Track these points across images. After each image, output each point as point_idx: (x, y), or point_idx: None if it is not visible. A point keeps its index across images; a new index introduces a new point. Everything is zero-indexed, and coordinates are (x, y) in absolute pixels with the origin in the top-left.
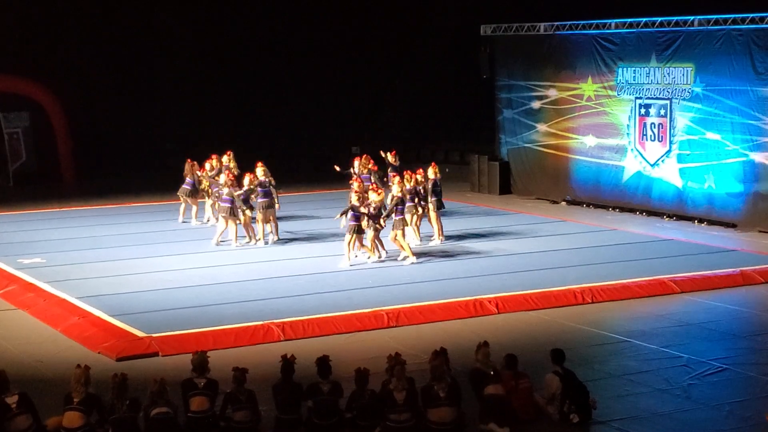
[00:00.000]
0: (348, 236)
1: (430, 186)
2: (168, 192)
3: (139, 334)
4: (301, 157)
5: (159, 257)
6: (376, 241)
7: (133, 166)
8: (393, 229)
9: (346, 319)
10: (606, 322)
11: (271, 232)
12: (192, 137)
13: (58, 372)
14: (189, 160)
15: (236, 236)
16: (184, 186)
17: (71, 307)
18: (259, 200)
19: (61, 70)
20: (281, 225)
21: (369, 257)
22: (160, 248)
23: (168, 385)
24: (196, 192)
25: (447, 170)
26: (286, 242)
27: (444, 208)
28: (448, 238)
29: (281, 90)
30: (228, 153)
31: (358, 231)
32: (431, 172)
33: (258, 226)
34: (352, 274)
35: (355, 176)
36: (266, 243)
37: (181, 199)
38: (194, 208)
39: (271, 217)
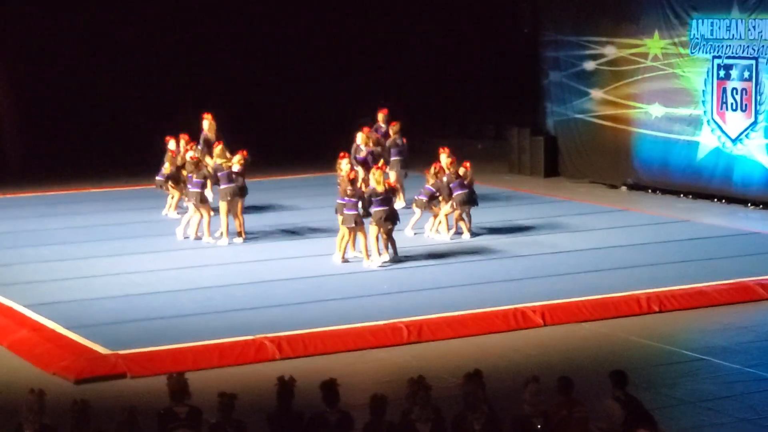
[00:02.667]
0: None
1: (445, 181)
2: (137, 176)
3: (103, 350)
4: (300, 130)
5: (127, 255)
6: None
7: (94, 144)
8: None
9: (356, 333)
10: (677, 335)
11: (238, 230)
12: (166, 109)
13: (4, 398)
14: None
15: (197, 228)
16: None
17: (19, 318)
18: (222, 186)
19: (3, 30)
20: (276, 215)
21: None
22: (128, 244)
23: (139, 414)
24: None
25: (479, 146)
26: (282, 238)
27: (477, 204)
28: (482, 232)
29: (274, 48)
30: (183, 136)
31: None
32: (444, 162)
33: (222, 219)
34: (363, 277)
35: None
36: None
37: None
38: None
39: (238, 210)
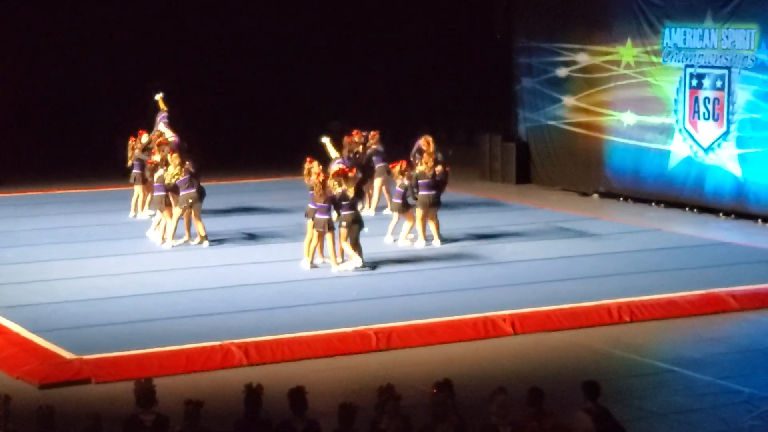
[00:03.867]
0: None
1: (414, 176)
2: (104, 177)
3: (68, 355)
4: (269, 135)
5: (93, 258)
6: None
7: (60, 145)
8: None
9: (324, 340)
10: (648, 346)
11: (201, 236)
12: (134, 110)
13: None
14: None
15: (164, 231)
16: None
17: None
18: (182, 192)
19: None
20: (244, 219)
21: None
22: (94, 247)
23: (104, 421)
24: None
25: (450, 152)
26: (250, 242)
27: (440, 204)
28: (452, 240)
29: (243, 49)
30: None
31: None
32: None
33: (172, 224)
34: (331, 283)
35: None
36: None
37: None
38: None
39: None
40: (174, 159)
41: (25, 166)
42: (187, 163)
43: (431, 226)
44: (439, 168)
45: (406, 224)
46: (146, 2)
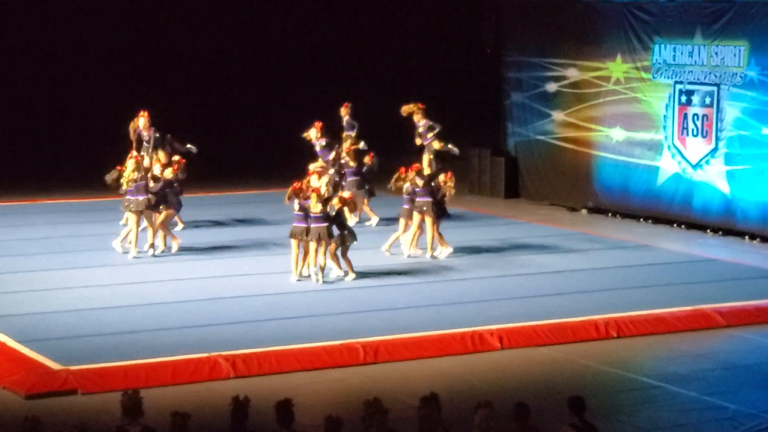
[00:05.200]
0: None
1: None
2: (93, 187)
3: (54, 365)
4: (254, 146)
5: (80, 269)
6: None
7: (50, 153)
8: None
9: (312, 353)
10: (635, 362)
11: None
12: (120, 114)
13: None
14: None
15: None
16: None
17: None
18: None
19: None
20: (232, 231)
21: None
22: (82, 258)
23: None
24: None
25: (440, 166)
26: (238, 254)
27: (448, 216)
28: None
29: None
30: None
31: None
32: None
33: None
34: (319, 296)
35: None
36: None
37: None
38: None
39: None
40: (131, 163)
41: (13, 176)
42: (176, 164)
43: (439, 238)
44: (441, 177)
45: (408, 233)
46: (138, 15)
